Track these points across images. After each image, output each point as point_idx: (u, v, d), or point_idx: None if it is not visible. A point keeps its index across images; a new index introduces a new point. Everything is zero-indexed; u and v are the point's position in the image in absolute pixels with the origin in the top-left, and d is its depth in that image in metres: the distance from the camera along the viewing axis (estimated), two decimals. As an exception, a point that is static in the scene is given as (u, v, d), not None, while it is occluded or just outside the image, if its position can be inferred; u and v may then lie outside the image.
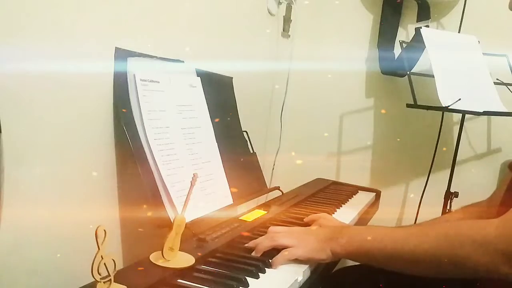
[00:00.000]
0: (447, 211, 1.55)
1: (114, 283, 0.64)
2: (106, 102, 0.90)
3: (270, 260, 0.84)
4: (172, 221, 0.79)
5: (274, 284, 0.78)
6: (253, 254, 0.86)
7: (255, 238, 0.92)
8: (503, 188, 1.00)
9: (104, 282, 0.63)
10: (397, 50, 1.77)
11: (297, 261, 0.85)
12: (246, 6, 1.47)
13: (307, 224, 1.06)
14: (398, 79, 1.80)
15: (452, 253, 0.71)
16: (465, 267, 0.71)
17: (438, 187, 1.62)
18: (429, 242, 0.75)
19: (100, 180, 0.91)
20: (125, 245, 0.95)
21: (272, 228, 0.92)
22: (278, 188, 1.31)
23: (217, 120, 1.14)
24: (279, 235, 0.88)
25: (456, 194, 1.54)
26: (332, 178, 1.68)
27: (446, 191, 1.56)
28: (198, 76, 1.12)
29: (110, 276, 0.64)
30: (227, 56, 1.31)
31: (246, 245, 0.89)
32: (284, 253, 0.84)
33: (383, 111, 1.88)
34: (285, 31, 1.76)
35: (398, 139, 1.86)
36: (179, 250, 0.79)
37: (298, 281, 0.80)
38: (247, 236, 0.95)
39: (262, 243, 0.87)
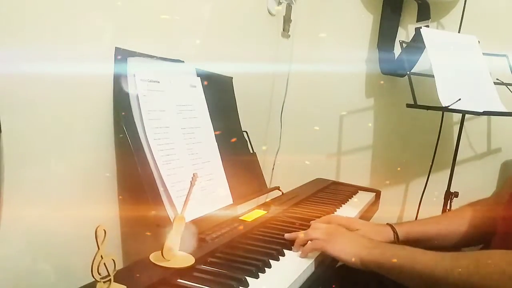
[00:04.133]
0: (447, 211, 1.55)
1: (114, 283, 0.64)
2: (106, 102, 0.90)
3: (271, 260, 0.84)
4: (172, 221, 0.79)
5: (274, 283, 0.78)
6: (293, 249, 0.91)
7: (256, 240, 0.92)
8: (509, 188, 1.00)
9: (104, 282, 0.63)
10: (397, 50, 1.77)
11: (297, 260, 0.85)
12: (246, 6, 1.47)
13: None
14: (398, 79, 1.79)
15: (481, 283, 0.72)
16: None
17: (438, 187, 1.62)
18: (460, 269, 0.76)
19: (100, 180, 0.91)
20: (125, 245, 0.95)
21: (314, 224, 0.97)
22: (278, 188, 1.31)
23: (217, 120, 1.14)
24: (315, 230, 0.92)
25: (456, 194, 1.54)
26: (332, 178, 1.68)
27: (446, 191, 1.56)
28: (198, 76, 1.12)
29: (110, 276, 0.64)
30: (227, 56, 1.31)
31: (285, 236, 0.94)
32: (314, 243, 0.89)
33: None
34: (285, 31, 1.76)
35: (398, 139, 1.86)
36: (179, 250, 0.79)
37: (298, 281, 0.80)
38: (247, 236, 0.95)
39: (299, 237, 0.91)
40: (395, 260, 0.83)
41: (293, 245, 0.92)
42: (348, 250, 0.88)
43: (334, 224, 0.99)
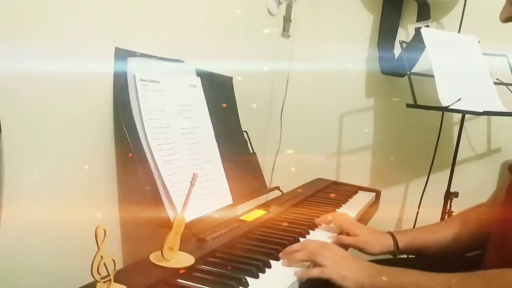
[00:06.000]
0: (447, 211, 1.55)
1: (114, 283, 0.64)
2: (106, 102, 0.90)
3: (271, 260, 0.84)
4: (172, 221, 0.79)
5: (274, 284, 0.78)
6: (285, 263, 0.85)
7: (256, 240, 0.92)
8: (503, 190, 1.00)
9: (104, 282, 0.63)
10: (397, 50, 1.77)
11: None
12: (246, 6, 1.47)
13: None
14: (398, 79, 1.80)
15: None
16: None
17: (438, 187, 1.62)
18: None
19: (100, 180, 0.91)
20: (125, 245, 0.95)
21: (312, 244, 0.89)
22: (278, 188, 1.31)
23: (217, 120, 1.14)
24: (318, 254, 0.85)
25: (456, 194, 1.55)
26: (332, 178, 1.68)
27: (446, 191, 1.56)
28: (198, 76, 1.12)
29: (110, 276, 0.64)
30: (227, 56, 1.31)
31: (281, 254, 0.88)
32: (311, 272, 0.83)
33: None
34: (285, 31, 1.76)
35: (398, 139, 1.86)
36: (179, 250, 0.79)
37: (298, 280, 0.81)
38: (247, 236, 0.95)
39: (298, 255, 0.86)
40: None
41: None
42: (350, 276, 0.83)
43: (336, 248, 0.93)
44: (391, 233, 1.05)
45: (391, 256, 1.05)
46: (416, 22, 1.74)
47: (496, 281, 0.74)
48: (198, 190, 0.98)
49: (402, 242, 1.04)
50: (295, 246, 0.89)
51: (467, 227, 1.06)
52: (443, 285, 0.77)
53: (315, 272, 0.82)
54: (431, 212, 1.54)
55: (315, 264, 0.84)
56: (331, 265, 0.84)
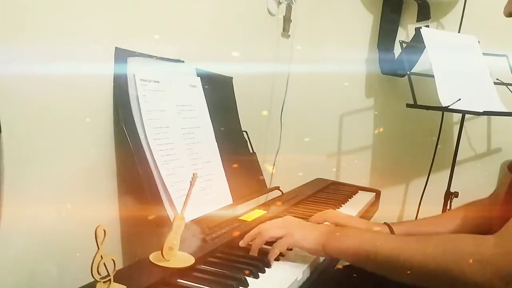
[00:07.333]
0: (447, 210, 1.55)
1: (114, 283, 0.64)
2: (106, 102, 0.90)
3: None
4: (172, 221, 0.79)
5: (274, 283, 0.78)
6: (250, 253, 0.86)
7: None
8: (504, 188, 1.00)
9: (103, 282, 0.63)
10: (397, 50, 1.77)
11: (297, 259, 0.85)
12: (246, 6, 1.47)
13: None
14: (398, 79, 1.80)
15: (447, 268, 0.70)
16: (458, 282, 0.70)
17: (438, 187, 1.62)
18: (425, 254, 0.74)
19: (100, 180, 0.91)
20: (125, 245, 0.95)
21: (261, 226, 0.90)
22: (278, 188, 1.31)
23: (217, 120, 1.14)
24: (268, 230, 0.87)
25: (456, 194, 1.55)
26: (332, 178, 1.68)
27: (446, 191, 1.56)
28: (198, 76, 1.12)
29: (109, 276, 0.64)
30: (227, 56, 1.31)
31: (240, 244, 0.89)
32: (275, 247, 0.84)
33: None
34: (285, 31, 1.76)
35: (398, 139, 1.86)
36: (179, 250, 0.79)
37: (298, 280, 0.80)
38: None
39: (255, 242, 0.87)
40: (357, 246, 0.80)
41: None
42: (309, 237, 0.84)
43: (289, 217, 0.94)
44: (387, 224, 1.06)
45: None
46: (416, 22, 1.74)
47: (451, 245, 0.73)
48: (198, 190, 0.98)
49: (399, 232, 1.04)
50: (251, 234, 0.88)
51: (467, 223, 1.06)
52: (398, 246, 0.76)
53: (275, 250, 0.83)
54: (431, 212, 1.52)
55: (276, 240, 0.85)
56: (288, 233, 0.85)
